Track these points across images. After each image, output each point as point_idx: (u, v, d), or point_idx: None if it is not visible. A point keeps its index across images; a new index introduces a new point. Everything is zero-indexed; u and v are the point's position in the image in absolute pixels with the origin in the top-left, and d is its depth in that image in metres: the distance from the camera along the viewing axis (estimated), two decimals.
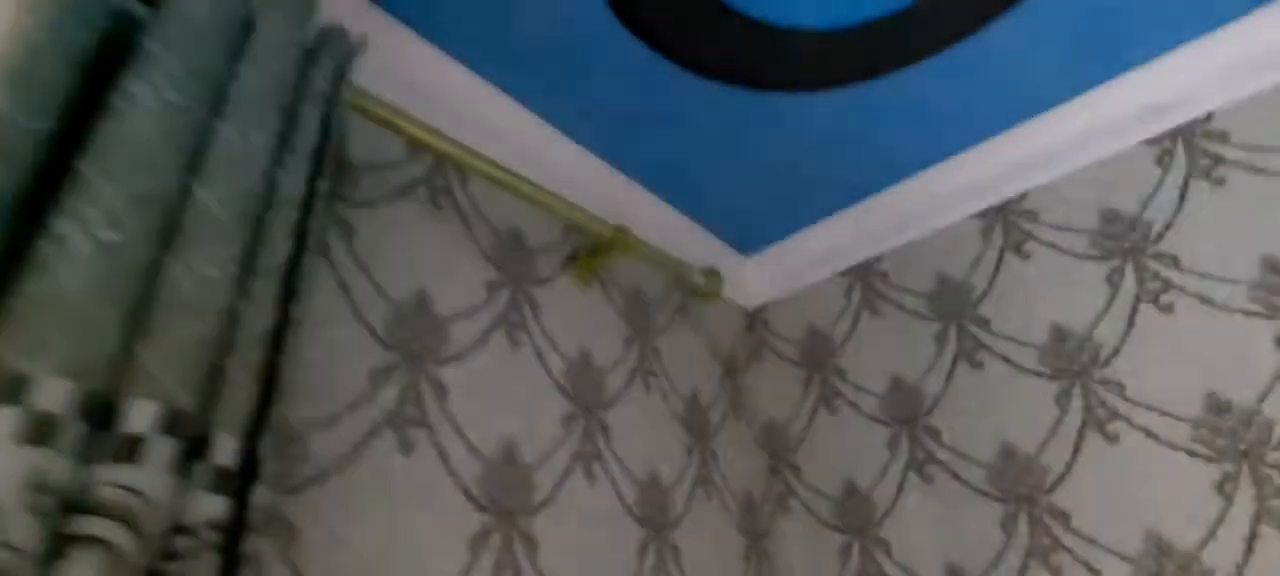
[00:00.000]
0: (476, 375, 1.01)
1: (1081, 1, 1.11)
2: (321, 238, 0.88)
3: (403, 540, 0.83)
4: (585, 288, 1.27)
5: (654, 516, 1.23)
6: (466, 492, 0.93)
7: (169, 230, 0.57)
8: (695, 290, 1.34)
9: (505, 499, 0.98)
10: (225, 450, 0.56)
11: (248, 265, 0.61)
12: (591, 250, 1.25)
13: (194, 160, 0.60)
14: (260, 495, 0.57)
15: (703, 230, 1.61)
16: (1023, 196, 1.39)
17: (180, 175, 0.59)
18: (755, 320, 1.76)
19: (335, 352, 0.84)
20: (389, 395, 0.88)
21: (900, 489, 1.39)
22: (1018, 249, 1.37)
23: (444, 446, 0.92)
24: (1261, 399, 1.07)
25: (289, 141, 0.69)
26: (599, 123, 1.27)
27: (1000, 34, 1.16)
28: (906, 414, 1.43)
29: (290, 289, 0.65)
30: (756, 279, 1.75)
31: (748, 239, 1.67)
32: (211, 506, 0.54)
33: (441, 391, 0.95)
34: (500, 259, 1.12)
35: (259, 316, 0.61)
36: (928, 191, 1.48)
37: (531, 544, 0.99)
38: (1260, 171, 1.14)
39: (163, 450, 0.51)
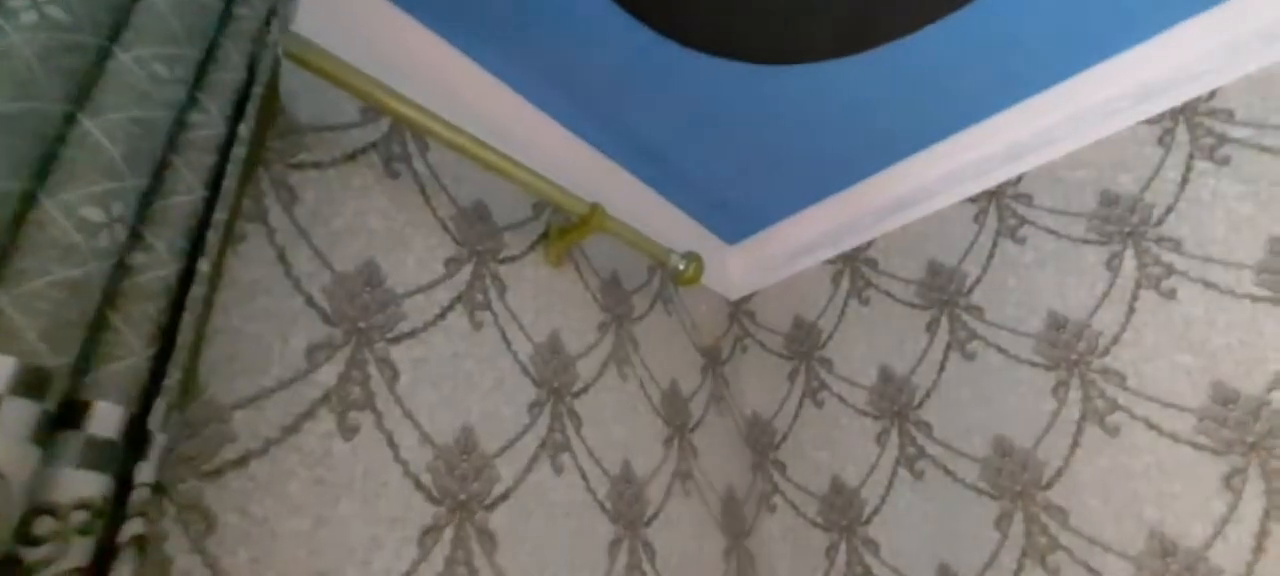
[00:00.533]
0: (432, 356, 0.93)
1: None
2: (256, 199, 0.81)
3: (340, 533, 0.75)
4: (557, 268, 1.19)
5: (627, 511, 1.15)
6: (417, 482, 0.85)
7: (44, 162, 0.49)
8: (676, 275, 1.26)
9: (461, 490, 0.90)
10: (104, 420, 0.48)
11: (143, 210, 0.54)
12: (564, 229, 1.18)
13: (81, 86, 0.52)
14: (146, 474, 0.49)
15: (684, 215, 1.54)
16: (1018, 179, 1.33)
17: (63, 102, 0.51)
18: (739, 310, 1.69)
19: (267, 324, 0.76)
20: (329, 373, 0.79)
21: (890, 485, 1.32)
22: (1012, 234, 1.30)
23: (392, 432, 0.84)
24: (1271, 388, 1.01)
25: (205, 78, 0.61)
26: (573, 95, 1.19)
27: (995, 10, 1.10)
28: (896, 407, 1.37)
29: (199, 241, 0.57)
30: (740, 267, 1.68)
31: (732, 225, 1.60)
32: (84, 484, 0.46)
33: (391, 372, 0.87)
34: (462, 233, 1.04)
35: (155, 269, 0.53)
36: (919, 175, 1.42)
37: (490, 539, 0.91)
38: (1267, 150, 1.09)
39: (18, 414, 0.43)
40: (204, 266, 0.56)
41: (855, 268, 1.51)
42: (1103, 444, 1.11)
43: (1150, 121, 1.21)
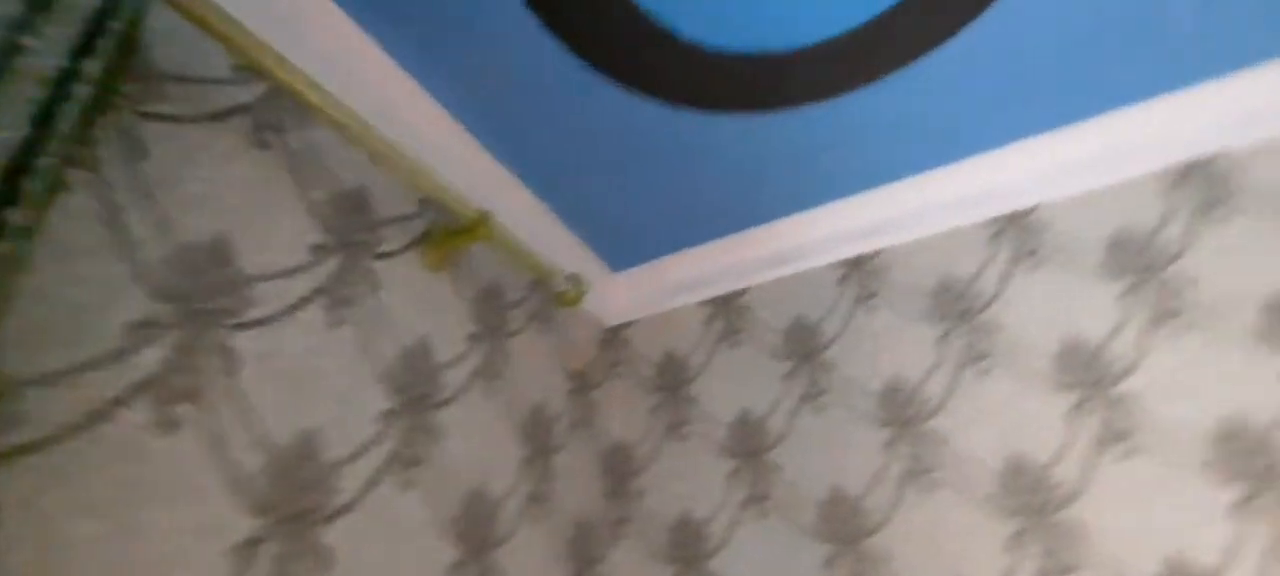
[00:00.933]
0: (281, 349, 0.85)
1: (952, 84, 1.19)
2: (92, 146, 0.70)
3: (142, 541, 0.65)
4: (435, 271, 1.14)
5: (474, 533, 1.11)
6: (241, 489, 0.76)
7: None
8: (558, 295, 1.25)
9: (293, 501, 0.82)
10: None
11: None
12: (448, 232, 1.13)
13: None
14: None
15: (572, 235, 1.53)
16: (877, 254, 1.46)
17: None
18: (614, 337, 1.71)
19: (86, 292, 0.66)
20: (152, 356, 0.70)
21: (736, 523, 1.38)
22: (868, 302, 1.43)
23: (222, 430, 0.75)
24: (1050, 465, 1.18)
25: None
26: (480, 99, 1.16)
27: (877, 101, 1.22)
28: (750, 448, 1.44)
29: (15, 187, 0.48)
30: (621, 295, 1.70)
31: (618, 253, 1.62)
32: None
33: (230, 362, 0.78)
34: (335, 220, 0.96)
35: None
36: (796, 235, 1.52)
37: (320, 557, 0.84)
38: (1068, 263, 1.29)
39: None
40: (17, 217, 0.47)
41: (729, 312, 1.58)
42: (921, 500, 1.24)
43: (987, 223, 1.39)
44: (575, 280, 1.28)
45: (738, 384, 1.51)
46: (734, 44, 1.07)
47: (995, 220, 1.38)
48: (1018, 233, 1.36)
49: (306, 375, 0.88)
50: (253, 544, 0.75)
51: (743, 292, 1.58)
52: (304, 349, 0.88)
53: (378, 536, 0.93)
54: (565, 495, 1.40)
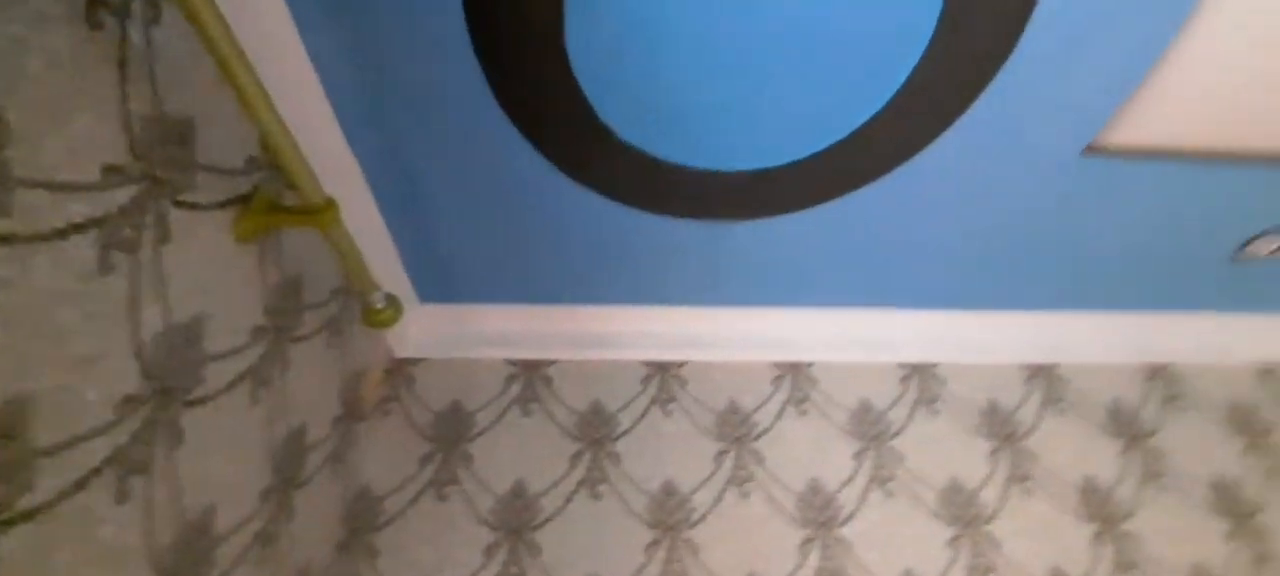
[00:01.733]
0: (19, 282, 0.62)
1: (777, 247, 1.39)
2: None
3: None
4: (241, 243, 0.94)
5: (183, 571, 0.89)
6: None
7: None
8: (371, 311, 1.11)
9: None
10: None
11: None
12: (275, 205, 0.95)
13: None
14: None
15: (393, 250, 1.39)
16: (682, 364, 1.58)
17: None
18: (400, 370, 1.55)
19: None
20: None
21: None
22: (665, 405, 1.53)
23: None
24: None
25: None
26: (361, 75, 1.02)
27: (728, 235, 1.36)
28: (516, 524, 1.39)
29: None
30: (421, 328, 1.56)
31: (432, 285, 1.50)
32: None
33: None
34: (147, 144, 0.75)
35: None
36: (618, 323, 1.57)
37: None
38: (825, 416, 1.54)
39: None
40: None
41: (532, 378, 1.55)
42: None
43: (774, 364, 1.60)
44: (393, 299, 1.15)
45: (520, 453, 1.47)
46: (639, 140, 1.12)
47: (781, 365, 1.60)
48: (795, 380, 1.59)
49: (43, 324, 0.64)
50: None
51: (550, 363, 1.57)
52: (51, 289, 0.65)
53: (64, 555, 0.69)
54: (298, 539, 1.19)
